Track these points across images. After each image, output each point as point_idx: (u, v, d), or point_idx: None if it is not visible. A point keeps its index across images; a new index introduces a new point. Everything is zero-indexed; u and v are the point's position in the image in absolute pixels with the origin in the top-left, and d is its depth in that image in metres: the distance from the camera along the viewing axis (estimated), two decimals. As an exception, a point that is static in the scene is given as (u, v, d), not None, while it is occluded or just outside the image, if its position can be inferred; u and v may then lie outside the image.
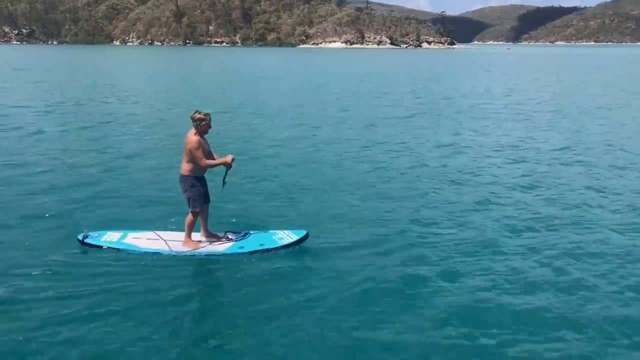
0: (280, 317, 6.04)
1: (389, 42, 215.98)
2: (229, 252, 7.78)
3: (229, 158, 7.54)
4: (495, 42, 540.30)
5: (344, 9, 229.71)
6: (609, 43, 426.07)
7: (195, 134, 7.37)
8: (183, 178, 7.60)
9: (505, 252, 7.84)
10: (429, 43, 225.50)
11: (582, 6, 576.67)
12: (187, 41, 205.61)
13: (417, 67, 68.59)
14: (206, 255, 7.70)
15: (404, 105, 26.51)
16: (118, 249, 7.77)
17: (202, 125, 7.41)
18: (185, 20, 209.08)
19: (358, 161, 13.92)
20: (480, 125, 20.00)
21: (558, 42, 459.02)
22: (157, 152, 14.85)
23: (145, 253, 7.69)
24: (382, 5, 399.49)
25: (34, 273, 7.04)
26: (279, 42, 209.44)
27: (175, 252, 7.69)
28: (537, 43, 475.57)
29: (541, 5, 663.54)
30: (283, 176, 12.19)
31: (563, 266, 7.42)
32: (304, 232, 8.08)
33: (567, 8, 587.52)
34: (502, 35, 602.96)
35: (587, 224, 9.20)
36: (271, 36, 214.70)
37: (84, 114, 22.38)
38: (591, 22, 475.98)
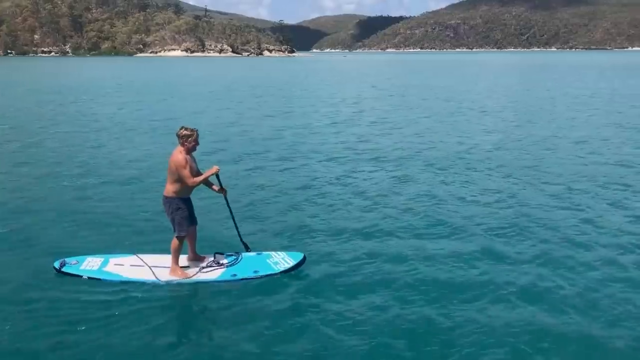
0: (277, 353, 5.52)
1: (231, 50, 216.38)
2: (220, 280, 7.05)
3: (214, 169, 6.96)
4: (333, 50, 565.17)
5: (182, 17, 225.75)
6: (432, 50, 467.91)
7: (181, 151, 6.74)
8: (167, 200, 6.93)
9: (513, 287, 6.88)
10: (270, 51, 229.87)
11: (408, 16, 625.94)
12: (9, 51, 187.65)
13: (287, 74, 69.83)
14: (195, 283, 6.98)
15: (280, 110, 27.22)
16: (99, 279, 7.00)
17: (189, 142, 6.75)
18: (4, 28, 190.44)
19: (350, 178, 12.53)
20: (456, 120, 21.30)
21: (389, 49, 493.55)
22: (136, 171, 13.26)
23: (129, 282, 6.92)
24: (221, 13, 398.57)
25: (2, 309, 6.26)
26: (115, 51, 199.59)
27: (162, 281, 6.93)
28: (370, 50, 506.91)
29: (372, 15, 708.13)
30: (274, 194, 11.16)
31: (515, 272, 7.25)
32: (300, 256, 7.41)
33: (395, 17, 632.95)
34: (339, 43, 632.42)
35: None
36: (105, 45, 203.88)
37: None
38: (416, 31, 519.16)
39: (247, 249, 7.57)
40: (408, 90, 40.23)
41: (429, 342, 5.63)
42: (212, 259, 7.43)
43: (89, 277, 7.03)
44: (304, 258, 7.37)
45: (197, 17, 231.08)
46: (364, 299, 6.52)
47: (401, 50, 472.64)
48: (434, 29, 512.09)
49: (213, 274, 7.13)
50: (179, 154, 6.69)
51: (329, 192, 11.29)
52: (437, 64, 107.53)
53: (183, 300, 6.74)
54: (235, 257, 7.47)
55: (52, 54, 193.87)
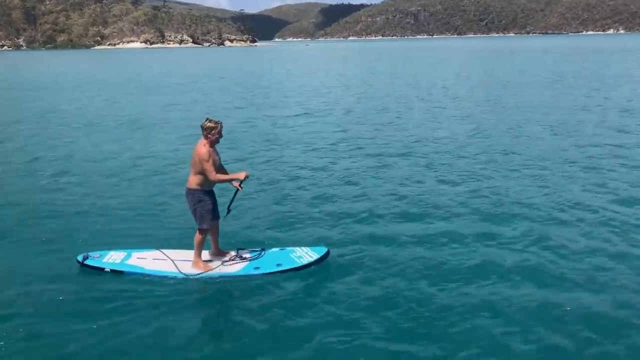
0: (300, 345, 5.50)
1: (191, 40, 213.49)
2: (242, 273, 7.02)
3: (242, 174, 6.83)
4: (295, 39, 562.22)
5: (140, 7, 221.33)
6: (393, 37, 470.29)
7: (205, 144, 6.66)
8: (190, 192, 6.87)
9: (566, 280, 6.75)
10: (231, 41, 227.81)
11: (369, 3, 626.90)
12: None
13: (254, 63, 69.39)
14: (218, 277, 6.96)
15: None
16: (122, 272, 7.07)
17: (213, 134, 6.66)
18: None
19: (378, 172, 12.26)
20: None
21: (351, 37, 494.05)
22: (160, 165, 13.29)
23: (152, 275, 6.97)
24: (180, 3, 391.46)
25: (29, 300, 6.37)
26: (72, 44, 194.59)
27: (184, 274, 6.95)
28: (332, 38, 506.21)
29: (334, 3, 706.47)
30: (299, 188, 11.01)
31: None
32: (324, 250, 7.35)
33: (356, 5, 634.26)
34: (301, 32, 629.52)
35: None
36: (61, 38, 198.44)
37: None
38: (377, 19, 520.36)
39: (228, 212, 7.40)
40: (377, 78, 40.73)
41: (458, 336, 5.56)
42: (235, 253, 7.42)
43: (111, 270, 7.07)
44: (328, 252, 7.30)
45: (155, 8, 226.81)
46: (389, 293, 6.47)
47: (363, 38, 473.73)
48: (394, 16, 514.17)
49: (235, 268, 7.11)
50: (202, 147, 6.62)
51: (343, 185, 11.23)
52: (401, 51, 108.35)
53: (205, 293, 6.71)
54: (258, 252, 7.43)
55: (5, 48, 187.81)
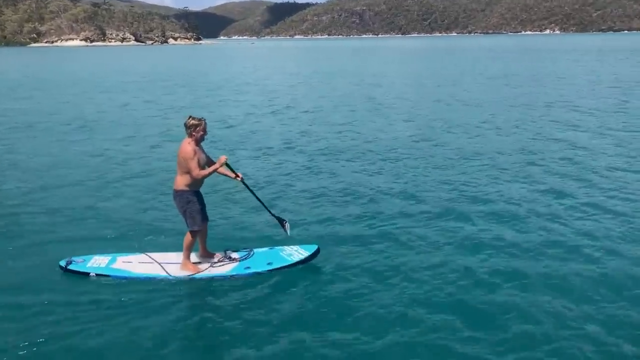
0: (295, 343, 5.48)
1: (134, 38, 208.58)
2: (233, 273, 6.91)
3: (222, 159, 6.69)
4: (241, 37, 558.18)
5: (79, 4, 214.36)
6: (339, 36, 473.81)
7: (189, 142, 6.55)
8: (178, 193, 6.70)
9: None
10: (175, 39, 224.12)
11: (315, 2, 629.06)
12: None
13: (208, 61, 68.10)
14: (208, 278, 6.84)
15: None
16: (107, 276, 6.85)
17: (197, 132, 6.55)
18: None
19: (369, 167, 12.45)
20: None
21: (297, 36, 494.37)
22: (143, 165, 13.03)
23: (139, 279, 6.79)
24: (121, 0, 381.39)
25: (12, 308, 6.15)
26: (5, 41, 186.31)
27: (173, 276, 6.81)
28: (278, 37, 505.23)
29: (279, 1, 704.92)
30: (286, 185, 10.97)
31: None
32: (315, 247, 7.27)
33: (302, 4, 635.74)
34: (247, 30, 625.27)
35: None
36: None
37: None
38: (323, 17, 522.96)
39: (283, 225, 7.42)
40: (327, 77, 40.77)
41: (447, 332, 5.61)
42: (223, 254, 7.30)
43: (96, 274, 6.88)
44: (318, 249, 7.24)
45: (95, 5, 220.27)
46: (380, 289, 6.49)
47: (309, 37, 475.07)
48: (340, 15, 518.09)
49: (225, 268, 7.00)
50: (187, 145, 6.51)
51: (314, 182, 11.23)
52: (349, 50, 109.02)
53: (195, 295, 6.59)
54: (247, 252, 7.33)
55: None
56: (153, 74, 46.83)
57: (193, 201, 6.69)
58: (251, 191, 7.31)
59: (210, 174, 6.65)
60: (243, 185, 7.19)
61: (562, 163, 12.47)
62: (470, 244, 7.84)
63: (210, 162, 6.83)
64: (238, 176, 6.95)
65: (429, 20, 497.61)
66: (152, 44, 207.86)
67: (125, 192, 10.69)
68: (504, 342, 5.43)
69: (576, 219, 8.79)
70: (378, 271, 6.97)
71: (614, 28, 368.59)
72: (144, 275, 6.82)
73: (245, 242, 7.79)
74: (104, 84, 37.57)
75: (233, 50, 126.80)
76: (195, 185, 6.69)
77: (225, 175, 6.96)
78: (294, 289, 6.54)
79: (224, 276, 6.87)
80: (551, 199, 9.83)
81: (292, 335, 5.58)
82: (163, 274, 6.83)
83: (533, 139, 15.34)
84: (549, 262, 7.20)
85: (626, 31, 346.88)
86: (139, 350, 5.39)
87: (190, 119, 6.56)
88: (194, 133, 6.53)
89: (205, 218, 7.00)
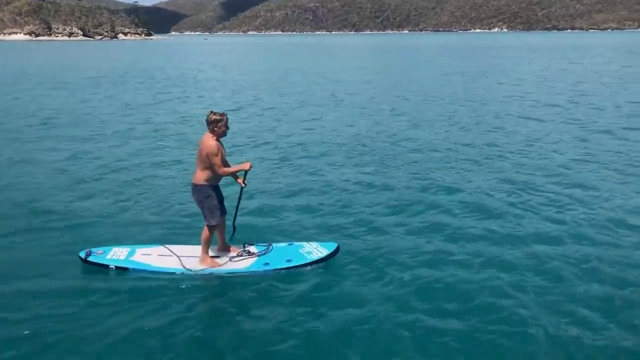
0: (312, 342, 5.42)
1: (82, 33, 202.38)
2: (252, 269, 6.82)
3: (246, 165, 6.70)
4: (193, 33, 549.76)
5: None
6: (293, 32, 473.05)
7: (212, 137, 6.47)
8: (197, 188, 6.65)
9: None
10: (125, 34, 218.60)
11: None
12: None
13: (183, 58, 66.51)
14: (227, 273, 6.76)
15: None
16: (127, 269, 6.80)
17: (219, 127, 6.49)
18: None
19: (390, 163, 12.40)
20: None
21: (250, 32, 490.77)
22: (162, 160, 12.92)
23: (158, 272, 6.72)
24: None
25: (32, 299, 6.09)
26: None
27: (192, 271, 6.74)
28: (231, 33, 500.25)
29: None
30: (304, 181, 10.93)
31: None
32: (334, 245, 7.15)
33: (255, 0, 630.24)
34: (199, 25, 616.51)
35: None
36: None
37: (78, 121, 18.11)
38: (277, 14, 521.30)
39: (233, 233, 7.34)
40: (287, 73, 40.69)
41: (466, 334, 5.51)
42: (242, 249, 7.22)
43: (116, 267, 6.83)
44: (338, 248, 7.13)
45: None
46: (401, 289, 6.40)
47: (263, 33, 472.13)
48: (293, 12, 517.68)
49: (244, 264, 6.91)
50: (210, 140, 6.43)
51: (340, 181, 11.07)
52: (305, 47, 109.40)
53: (214, 290, 6.51)
54: (265, 247, 7.24)
55: None
56: (107, 70, 45.70)
57: (212, 196, 6.66)
58: (239, 198, 7.26)
59: (234, 173, 6.71)
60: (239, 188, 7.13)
61: (519, 153, 13.05)
62: (497, 241, 7.77)
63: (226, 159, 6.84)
64: (244, 184, 6.96)
65: (381, 18, 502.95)
66: (101, 39, 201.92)
67: (143, 185, 10.69)
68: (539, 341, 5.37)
69: (536, 206, 9.21)
70: (399, 269, 6.86)
71: (558, 27, 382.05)
72: (163, 269, 6.77)
73: (263, 236, 7.68)
74: (58, 79, 36.51)
75: (186, 46, 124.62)
76: (215, 180, 6.66)
77: (236, 179, 6.98)
78: (313, 288, 6.44)
79: (242, 272, 6.79)
80: (519, 187, 10.27)
81: (310, 335, 5.52)
82: (182, 268, 6.77)
83: (493, 131, 15.94)
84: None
85: (569, 30, 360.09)
86: (157, 344, 5.37)
87: (212, 114, 6.49)
88: (215, 128, 6.48)
89: (224, 212, 6.95)
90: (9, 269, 6.90)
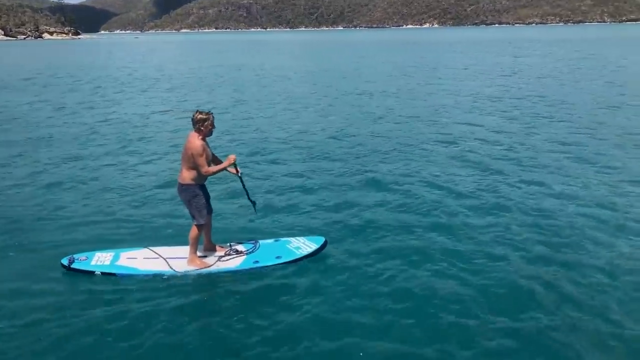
0: (306, 337, 5.41)
1: (3, 33, 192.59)
2: (242, 268, 6.75)
3: (231, 158, 6.61)
4: (124, 31, 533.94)
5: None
6: (227, 29, 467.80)
7: (197, 137, 6.38)
8: (184, 187, 6.54)
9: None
10: (51, 33, 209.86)
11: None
12: None
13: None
14: (217, 273, 6.67)
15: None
16: (114, 274, 6.55)
17: (206, 127, 6.40)
18: None
19: (377, 157, 12.53)
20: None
21: (183, 30, 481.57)
22: (141, 158, 12.70)
23: (146, 276, 6.54)
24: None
25: (13, 311, 5.85)
26: None
27: (181, 272, 6.60)
28: (163, 31, 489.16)
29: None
30: (286, 175, 10.98)
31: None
32: (322, 239, 7.20)
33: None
34: (129, 23, 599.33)
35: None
36: None
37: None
38: (210, 11, 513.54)
39: (254, 207, 7.21)
40: (229, 71, 40.16)
41: (455, 327, 5.54)
42: (229, 248, 7.17)
43: (102, 273, 6.61)
44: (326, 242, 7.17)
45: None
46: (390, 281, 6.44)
47: (196, 31, 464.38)
48: (227, 8, 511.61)
49: (234, 262, 6.86)
50: (195, 140, 6.36)
51: (323, 171, 11.26)
52: (243, 44, 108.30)
53: (204, 291, 6.43)
54: (253, 245, 7.19)
55: None
56: (38, 71, 43.66)
57: (199, 195, 6.60)
58: (244, 187, 7.16)
59: (219, 171, 6.61)
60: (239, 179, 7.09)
61: (462, 143, 13.54)
62: (484, 236, 7.78)
63: (215, 157, 6.79)
64: (238, 172, 6.85)
65: (315, 14, 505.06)
66: (24, 38, 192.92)
67: (120, 187, 10.40)
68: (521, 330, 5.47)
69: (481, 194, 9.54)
70: (387, 261, 6.93)
71: (486, 22, 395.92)
72: (151, 272, 6.63)
73: (248, 234, 7.64)
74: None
75: (118, 45, 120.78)
76: (201, 179, 6.60)
77: (229, 170, 6.87)
78: (303, 283, 6.44)
79: (233, 271, 6.75)
80: (487, 175, 10.70)
81: (304, 331, 5.53)
82: (170, 270, 6.65)
83: (446, 123, 16.35)
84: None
85: (497, 25, 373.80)
86: (149, 348, 5.29)
87: (198, 113, 6.43)
88: (202, 128, 6.41)
89: (210, 211, 6.94)
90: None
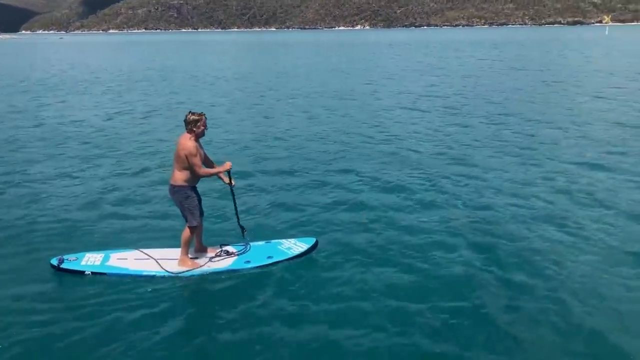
0: (297, 337, 5.48)
1: None
2: (233, 268, 6.77)
3: (227, 165, 6.65)
4: (47, 31, 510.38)
5: None
6: (157, 30, 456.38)
7: (190, 138, 6.38)
8: (177, 189, 6.52)
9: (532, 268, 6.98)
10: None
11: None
12: None
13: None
14: (208, 274, 6.68)
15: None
16: (104, 274, 6.56)
17: (198, 127, 6.40)
18: None
19: (364, 155, 12.90)
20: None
21: (111, 31, 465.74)
22: (131, 160, 12.88)
23: (137, 276, 6.53)
24: None
25: (5, 312, 5.85)
26: None
27: (172, 273, 6.61)
28: (90, 31, 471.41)
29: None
30: (275, 176, 11.16)
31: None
32: (313, 240, 7.30)
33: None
34: (53, 23, 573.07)
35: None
36: None
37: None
38: (139, 11, 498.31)
39: (243, 232, 7.26)
40: (166, 73, 39.79)
41: (445, 325, 5.65)
42: (220, 249, 7.19)
43: (92, 273, 6.62)
44: (317, 242, 7.28)
45: None
46: (380, 278, 6.58)
47: (125, 32, 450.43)
48: (156, 9, 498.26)
49: (225, 263, 6.89)
50: (188, 142, 6.38)
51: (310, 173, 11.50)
52: (176, 45, 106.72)
53: (196, 291, 6.46)
54: (243, 246, 7.23)
55: None
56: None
57: (192, 196, 6.63)
58: (234, 199, 7.28)
59: (213, 174, 6.70)
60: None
61: (396, 136, 14.76)
62: (477, 235, 8.04)
63: (207, 158, 6.86)
64: (232, 183, 6.96)
65: (247, 15, 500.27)
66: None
67: (107, 188, 10.49)
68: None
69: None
70: (376, 260, 7.12)
71: (415, 24, 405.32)
72: (142, 273, 6.66)
73: (239, 236, 7.66)
74: None
75: (43, 46, 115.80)
76: (194, 180, 6.63)
77: (220, 177, 6.99)
78: (294, 283, 6.52)
79: (224, 271, 6.79)
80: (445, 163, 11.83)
81: (295, 330, 5.60)
82: (161, 270, 6.68)
83: (384, 120, 17.51)
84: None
85: (425, 26, 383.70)
86: (143, 348, 5.30)
87: (190, 114, 6.48)
88: (194, 129, 6.44)
89: (201, 212, 6.95)
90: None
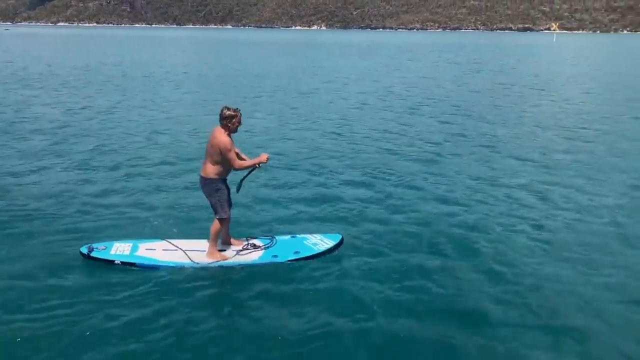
0: (323, 333, 5.46)
1: None
2: (261, 262, 6.80)
3: (263, 157, 6.64)
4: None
5: None
6: (109, 25, 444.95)
7: (224, 132, 6.45)
8: (208, 181, 6.61)
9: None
10: None
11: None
12: None
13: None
14: (235, 266, 6.73)
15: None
16: (133, 264, 6.66)
17: (233, 123, 6.48)
18: None
19: (387, 153, 12.93)
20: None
21: (60, 23, 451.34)
22: (159, 152, 12.97)
23: (166, 267, 6.63)
24: None
25: (34, 296, 5.97)
26: None
27: (200, 264, 6.68)
28: (38, 24, 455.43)
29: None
30: (301, 173, 11.18)
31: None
32: (339, 237, 7.31)
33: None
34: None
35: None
36: None
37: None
38: (90, 4, 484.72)
39: (240, 186, 7.10)
40: (125, 69, 38.94)
41: (473, 324, 5.62)
42: (246, 242, 7.25)
43: (122, 262, 6.69)
44: (342, 239, 7.30)
45: None
46: (407, 279, 6.52)
47: (75, 25, 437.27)
48: (109, 2, 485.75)
49: (253, 256, 6.94)
50: (223, 136, 6.45)
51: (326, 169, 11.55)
52: (130, 40, 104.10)
53: (224, 284, 6.50)
54: (269, 240, 7.29)
55: None
56: None
57: (222, 189, 6.75)
58: (248, 173, 7.17)
59: (247, 167, 6.75)
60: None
61: (357, 137, 15.21)
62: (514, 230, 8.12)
63: (239, 153, 6.90)
64: (259, 165, 6.83)
65: (203, 12, 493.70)
66: None
67: (137, 180, 10.60)
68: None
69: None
70: (404, 260, 7.06)
71: (371, 26, 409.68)
72: (171, 263, 6.73)
73: (264, 229, 7.81)
74: None
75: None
76: (226, 173, 6.76)
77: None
78: (321, 279, 6.54)
79: (252, 264, 6.86)
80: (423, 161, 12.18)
81: (322, 326, 5.60)
82: (189, 261, 6.76)
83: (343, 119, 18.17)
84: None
85: (381, 29, 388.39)
86: (174, 338, 5.38)
87: (226, 109, 6.53)
88: (229, 124, 6.53)
89: (231, 204, 7.02)
90: (6, 266, 6.70)
